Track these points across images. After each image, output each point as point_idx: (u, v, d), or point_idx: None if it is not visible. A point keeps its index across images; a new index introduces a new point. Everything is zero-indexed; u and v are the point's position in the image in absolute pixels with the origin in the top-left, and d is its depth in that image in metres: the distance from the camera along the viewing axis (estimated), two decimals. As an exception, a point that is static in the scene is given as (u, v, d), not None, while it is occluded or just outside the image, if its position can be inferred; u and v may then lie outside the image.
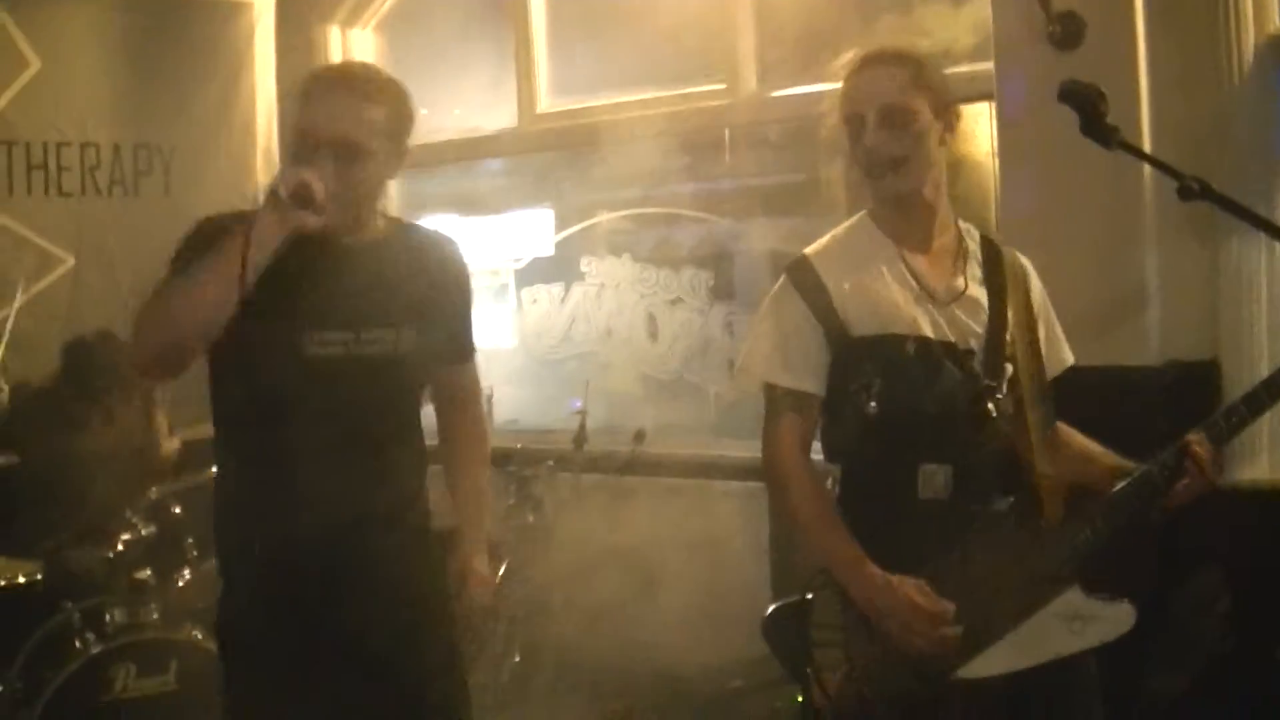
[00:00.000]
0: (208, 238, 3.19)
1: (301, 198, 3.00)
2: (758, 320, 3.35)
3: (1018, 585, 3.11)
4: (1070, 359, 3.43)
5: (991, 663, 3.10)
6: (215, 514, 3.44)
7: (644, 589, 5.70)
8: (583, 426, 6.16)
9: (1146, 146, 4.40)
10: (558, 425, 6.39)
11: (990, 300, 3.28)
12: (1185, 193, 2.86)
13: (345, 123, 3.16)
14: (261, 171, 7.34)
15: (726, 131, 6.44)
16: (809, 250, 3.31)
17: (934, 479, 3.16)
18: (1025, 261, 3.41)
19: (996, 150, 5.19)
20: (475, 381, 3.73)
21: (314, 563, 3.27)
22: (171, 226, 6.91)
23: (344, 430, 3.26)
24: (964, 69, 5.06)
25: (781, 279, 3.30)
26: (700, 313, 6.54)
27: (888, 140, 3.15)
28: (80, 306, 6.67)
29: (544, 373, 7.02)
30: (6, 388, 6.22)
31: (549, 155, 7.14)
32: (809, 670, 3.13)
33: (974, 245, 3.35)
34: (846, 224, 3.36)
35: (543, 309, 7.05)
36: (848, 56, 3.26)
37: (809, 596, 3.17)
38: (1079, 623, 3.11)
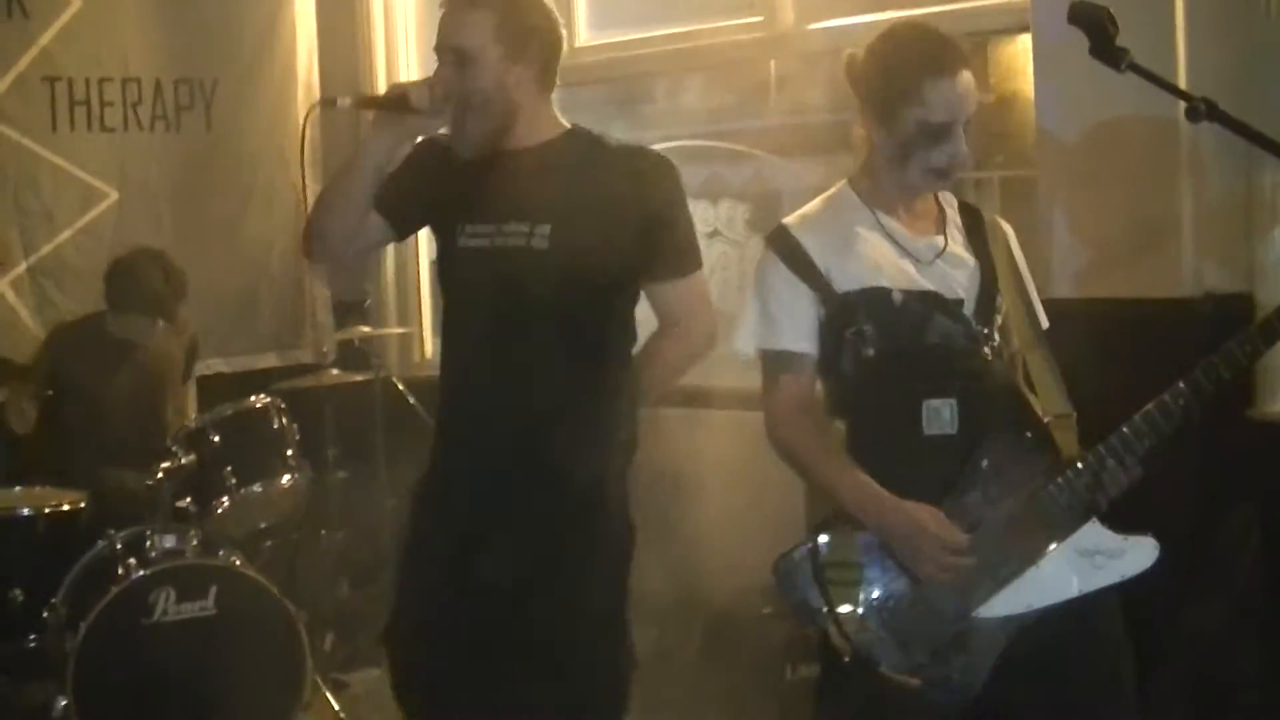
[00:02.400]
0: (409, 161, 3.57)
1: (398, 104, 3.33)
2: (747, 295, 3.35)
3: (1035, 521, 3.12)
4: (1046, 324, 3.41)
5: (1011, 601, 3.12)
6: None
7: (678, 517, 5.73)
8: (625, 358, 6.18)
9: (1182, 83, 4.37)
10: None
11: (975, 256, 3.31)
12: (1193, 114, 2.86)
13: (453, 31, 3.37)
14: (302, 105, 7.36)
15: (772, 66, 6.41)
16: (786, 220, 3.33)
17: (939, 414, 3.15)
18: (1006, 225, 3.43)
19: (1033, 83, 5.16)
20: (685, 303, 3.56)
21: (474, 455, 3.46)
22: (213, 161, 7.09)
23: (497, 321, 3.40)
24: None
25: (762, 250, 3.32)
26: (737, 245, 6.53)
27: (963, 149, 3.20)
28: (123, 240, 6.68)
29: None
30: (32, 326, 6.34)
31: (592, 91, 7.14)
32: (825, 611, 3.14)
33: (952, 211, 3.39)
34: (825, 194, 3.38)
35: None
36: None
37: (820, 540, 3.18)
38: (1100, 558, 3.12)
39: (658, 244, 3.45)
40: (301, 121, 7.23)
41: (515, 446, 3.39)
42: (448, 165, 3.44)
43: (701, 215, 6.62)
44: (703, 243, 6.42)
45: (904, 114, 3.18)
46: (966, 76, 3.21)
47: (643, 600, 5.92)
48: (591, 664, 3.48)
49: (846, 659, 3.12)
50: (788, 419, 3.24)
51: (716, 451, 5.81)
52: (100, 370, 5.84)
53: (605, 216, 3.39)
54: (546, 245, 3.36)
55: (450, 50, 3.35)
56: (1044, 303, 3.46)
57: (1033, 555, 3.11)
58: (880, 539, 3.14)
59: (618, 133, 6.84)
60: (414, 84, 3.34)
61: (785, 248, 3.26)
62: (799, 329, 3.23)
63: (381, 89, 7.23)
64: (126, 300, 5.79)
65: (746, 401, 5.89)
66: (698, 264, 3.57)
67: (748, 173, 6.60)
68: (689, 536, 5.64)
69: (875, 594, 3.13)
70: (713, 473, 5.71)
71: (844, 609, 3.13)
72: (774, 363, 3.26)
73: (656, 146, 6.68)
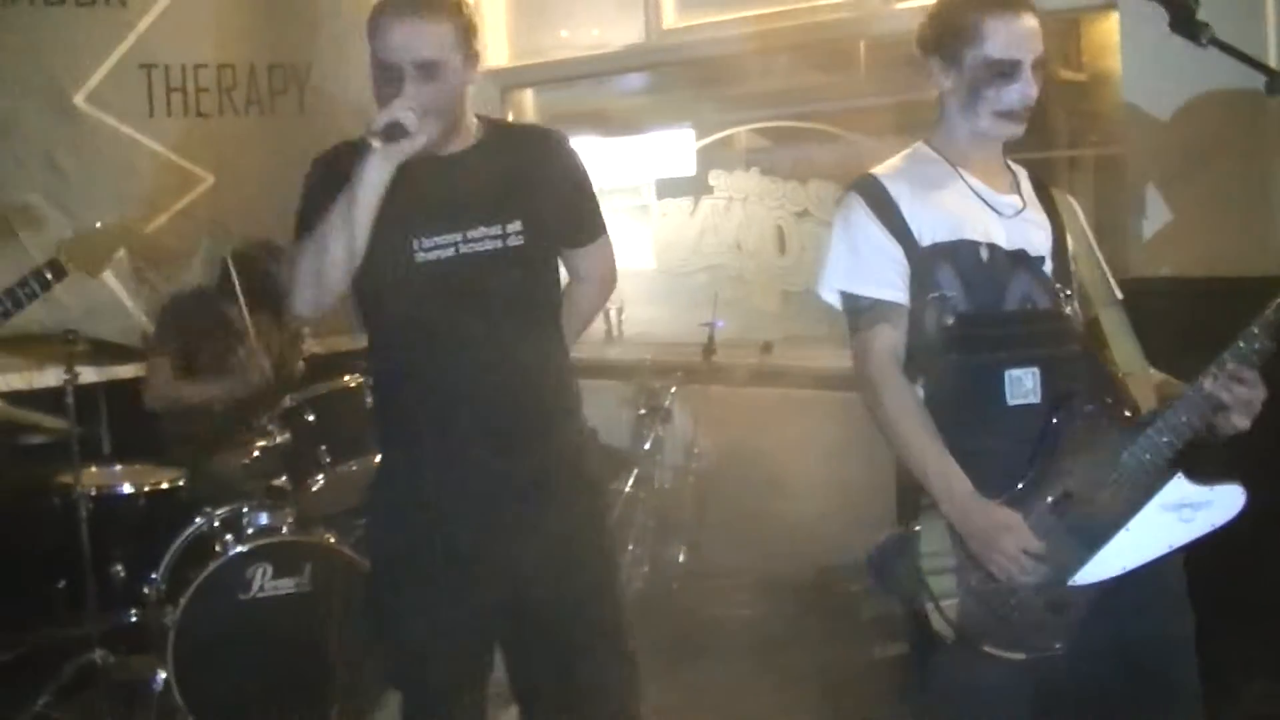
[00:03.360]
0: (325, 179, 3.40)
1: (396, 133, 3.19)
2: (831, 239, 3.31)
3: (1121, 484, 3.11)
4: (1120, 296, 3.38)
5: (1105, 565, 3.11)
6: (375, 416, 3.72)
7: (771, 498, 5.75)
8: (711, 338, 6.21)
9: (1272, 58, 4.34)
10: (687, 338, 6.43)
11: (1049, 219, 3.31)
12: (1272, 87, 2.84)
13: (417, 45, 3.28)
14: (394, 90, 7.41)
15: (861, 46, 6.41)
16: (874, 170, 3.32)
17: (1022, 383, 3.15)
18: (1073, 201, 3.42)
19: (1121, 61, 5.12)
20: (601, 262, 3.75)
21: (451, 461, 3.44)
22: (307, 144, 7.04)
23: (471, 327, 3.40)
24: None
25: (848, 196, 3.30)
26: (827, 225, 6.50)
27: (1033, 92, 3.19)
28: (220, 223, 6.81)
29: (674, 285, 7.06)
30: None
31: (680, 72, 7.16)
32: (925, 596, 3.13)
33: (1023, 177, 3.40)
34: (903, 153, 3.37)
35: (673, 222, 7.08)
36: None
37: (917, 527, 3.16)
38: (1188, 510, 3.09)
39: (583, 214, 3.63)
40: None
41: (494, 423, 3.44)
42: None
43: (790, 195, 6.64)
44: (791, 222, 6.55)
45: (967, 54, 3.19)
46: (1030, 18, 3.20)
47: (731, 576, 6.00)
48: (593, 599, 3.57)
49: (949, 641, 3.13)
50: (881, 366, 3.19)
51: (806, 430, 5.83)
52: (203, 349, 5.92)
53: (551, 196, 3.50)
54: (522, 241, 3.43)
55: (417, 64, 3.27)
56: (1133, 281, 3.46)
57: (1122, 518, 3.10)
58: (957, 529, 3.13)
59: (706, 115, 6.97)
60: (399, 109, 3.21)
61: (872, 195, 3.24)
62: (889, 277, 3.20)
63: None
64: (233, 293, 5.87)
65: (836, 381, 5.95)
66: (605, 228, 3.71)
67: (836, 153, 6.59)
68: (778, 514, 5.66)
69: (973, 577, 3.12)
70: (802, 451, 5.72)
71: (943, 593, 3.13)
72: (866, 311, 3.22)
73: (744, 128, 6.85)
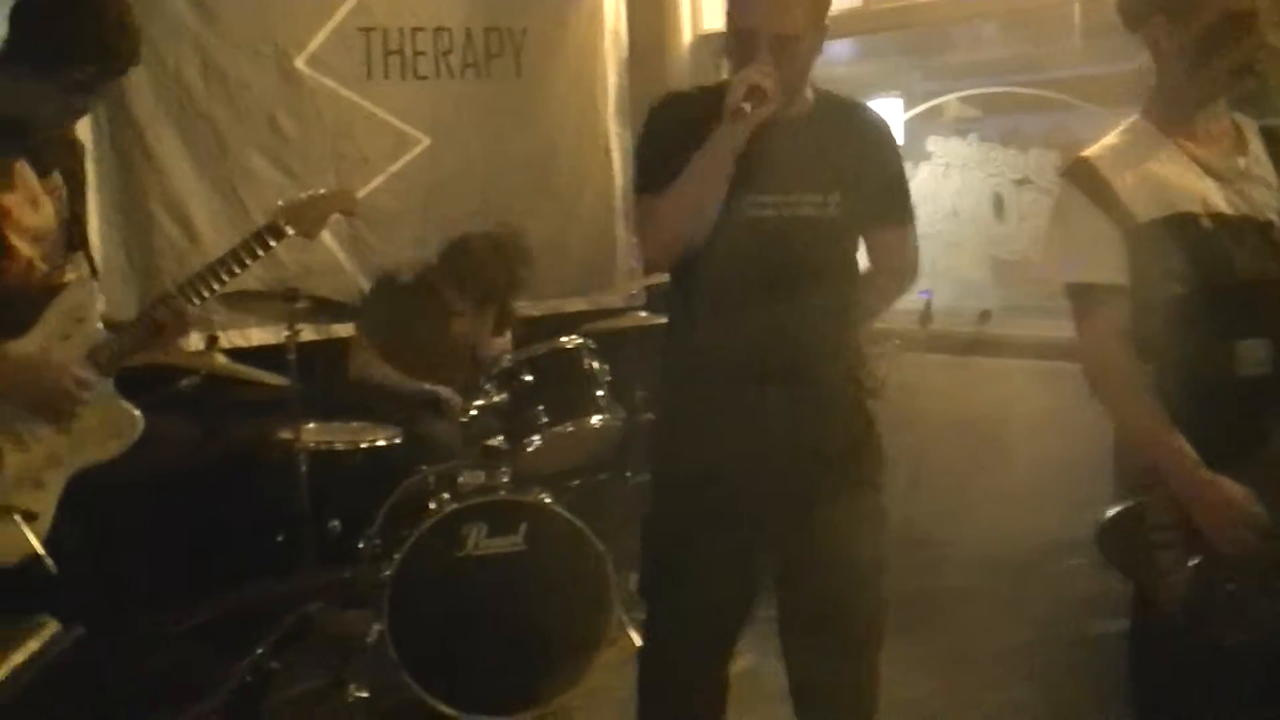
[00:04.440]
0: (664, 130, 3.58)
1: (756, 98, 3.29)
2: (1048, 229, 3.32)
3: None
4: None
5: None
6: (662, 359, 3.80)
7: (986, 468, 5.66)
8: (928, 306, 6.12)
9: None
10: (903, 305, 6.33)
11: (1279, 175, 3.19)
12: None
13: (779, 17, 3.34)
14: (609, 53, 7.45)
15: (1076, 9, 6.25)
16: (1085, 152, 3.26)
17: (1253, 353, 3.05)
18: None
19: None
20: (906, 248, 3.76)
21: (742, 410, 3.51)
22: (522, 107, 7.19)
23: (780, 286, 3.46)
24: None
25: (1061, 184, 3.28)
26: (1047, 193, 6.39)
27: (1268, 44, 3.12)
28: (436, 185, 6.88)
29: (890, 253, 6.97)
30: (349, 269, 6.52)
31: (897, 39, 7.06)
32: (1154, 573, 3.08)
33: (1251, 133, 3.27)
34: (1119, 128, 3.30)
35: (889, 189, 6.99)
36: None
37: (1145, 500, 3.10)
38: None
39: (896, 196, 3.67)
40: (613, 71, 7.41)
41: (786, 373, 3.50)
42: (703, 136, 3.42)
43: (1010, 163, 6.52)
44: (1011, 190, 6.41)
45: (1201, 8, 3.10)
46: None
47: (944, 547, 5.90)
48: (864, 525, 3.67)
49: (1174, 618, 3.06)
50: (1107, 349, 3.16)
51: (1024, 402, 5.72)
52: (417, 322, 5.97)
53: (871, 173, 3.56)
54: (839, 213, 3.49)
55: (777, 36, 3.33)
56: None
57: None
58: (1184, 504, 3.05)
59: (916, 83, 6.86)
60: (762, 75, 3.29)
61: (1086, 179, 3.18)
62: (1106, 261, 3.14)
63: (686, 37, 7.29)
64: (460, 284, 5.92)
65: (1053, 351, 5.82)
66: (913, 217, 3.74)
67: (1054, 120, 6.46)
68: (993, 486, 5.57)
69: (1201, 553, 3.04)
70: (1019, 423, 5.62)
71: (1169, 568, 3.06)
72: (1085, 297, 3.19)
73: (959, 94, 6.72)
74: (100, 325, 3.96)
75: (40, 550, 3.46)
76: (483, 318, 6.13)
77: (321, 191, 4.49)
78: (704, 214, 3.41)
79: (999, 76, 6.65)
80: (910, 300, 6.08)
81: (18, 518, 3.56)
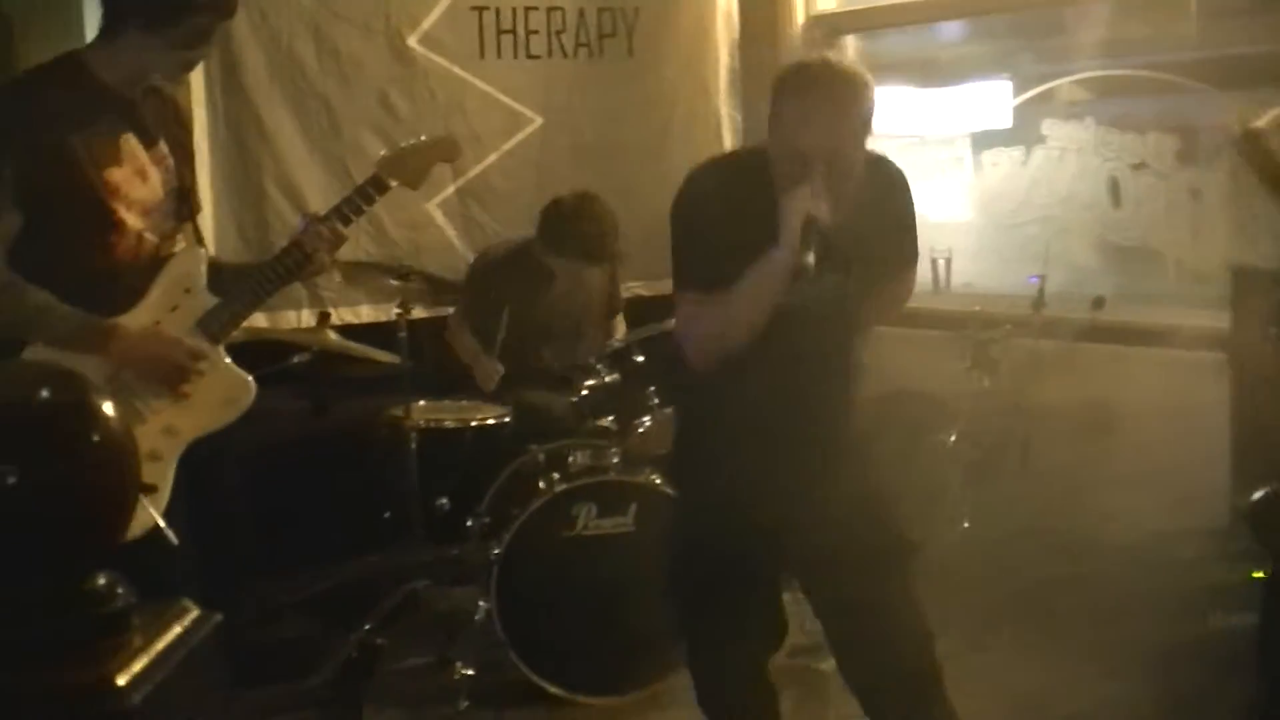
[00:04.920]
0: (705, 216, 3.46)
1: (811, 229, 3.22)
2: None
3: None
4: None
5: None
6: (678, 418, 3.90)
7: (1099, 456, 5.60)
8: (1041, 291, 6.04)
9: None
10: (1015, 290, 6.26)
11: None
12: None
13: (835, 138, 3.29)
14: (721, 35, 7.43)
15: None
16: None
17: None
18: None
19: None
20: (907, 282, 3.81)
21: (754, 467, 3.50)
22: (634, 88, 7.19)
23: (797, 358, 3.46)
24: None
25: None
26: (1164, 178, 6.29)
27: None
28: (548, 164, 6.90)
29: (1002, 237, 6.89)
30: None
31: (1008, 21, 6.98)
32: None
33: None
34: None
35: (1002, 172, 6.91)
36: None
37: None
38: None
39: (905, 247, 3.69)
40: (725, 52, 7.37)
41: (800, 409, 3.51)
42: (741, 223, 3.36)
43: (1128, 146, 6.43)
44: (1128, 175, 6.32)
45: None
46: None
47: (1056, 535, 5.84)
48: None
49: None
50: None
51: (1138, 389, 5.66)
52: (524, 294, 5.96)
53: (888, 234, 3.57)
54: (856, 287, 3.49)
55: (829, 151, 3.27)
56: None
57: None
58: None
59: (1025, 65, 6.77)
60: (817, 205, 3.23)
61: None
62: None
63: (799, 18, 7.25)
64: (558, 244, 5.89)
65: (1168, 339, 5.74)
66: (917, 257, 3.77)
67: (1167, 103, 6.36)
68: (1106, 473, 5.52)
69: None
70: (1132, 409, 5.56)
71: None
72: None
73: (1073, 78, 6.62)
74: (208, 293, 3.96)
75: (161, 523, 3.48)
76: (585, 282, 6.11)
77: (423, 138, 4.44)
78: (754, 331, 3.37)
79: (1111, 59, 6.54)
80: (1021, 286, 6.04)
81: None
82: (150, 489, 3.57)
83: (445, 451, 5.50)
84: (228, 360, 3.99)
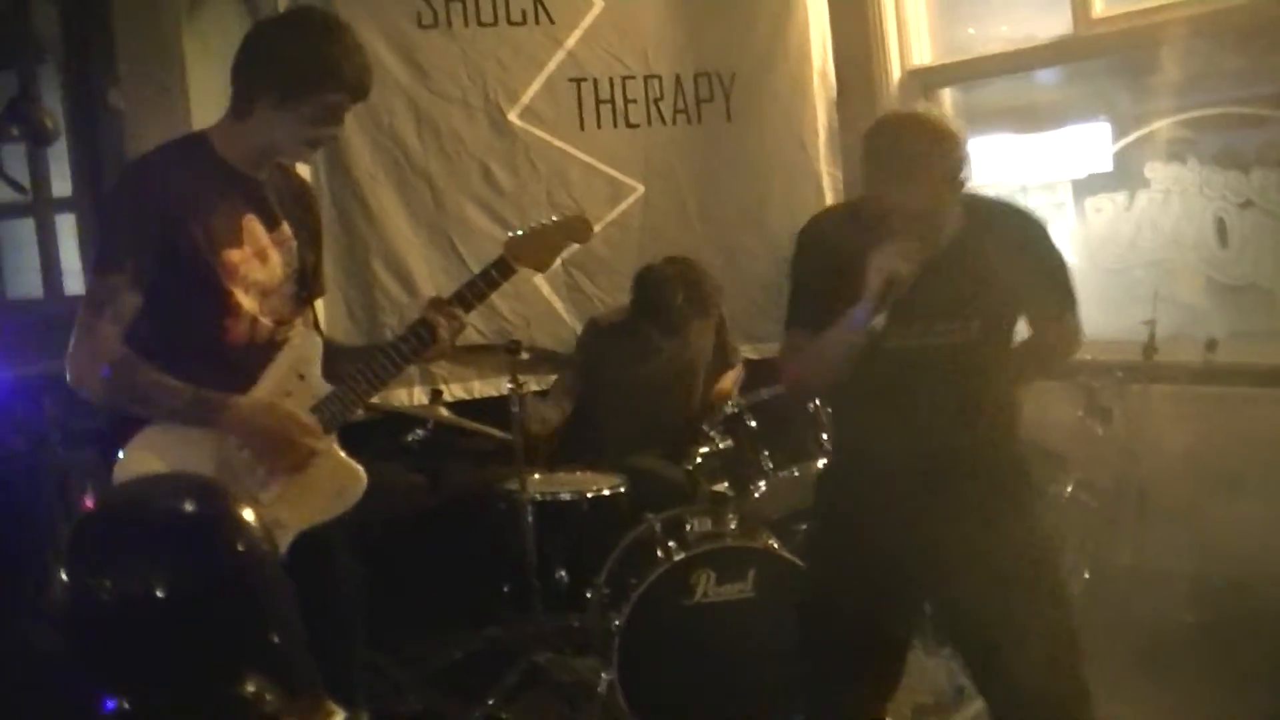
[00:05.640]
0: (816, 260, 3.65)
1: (893, 289, 3.31)
2: None
3: None
4: None
5: None
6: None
7: (1218, 500, 5.54)
8: (1152, 336, 6.00)
9: None
10: (1125, 336, 6.22)
11: None
12: None
13: (914, 192, 3.35)
14: (818, 93, 7.44)
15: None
16: None
17: None
18: None
19: None
20: (1065, 329, 3.76)
21: (890, 514, 3.55)
22: (734, 151, 7.22)
23: (921, 408, 3.51)
24: None
25: None
26: (1272, 215, 6.22)
27: None
28: (651, 232, 6.95)
29: (1109, 282, 6.82)
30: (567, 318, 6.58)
31: (1104, 63, 6.94)
32: None
33: None
34: None
35: (1107, 217, 6.86)
36: None
37: None
38: None
39: (1055, 288, 3.67)
40: (823, 111, 7.38)
41: (938, 455, 3.53)
42: (846, 271, 3.42)
43: (1233, 186, 6.35)
44: (1234, 213, 6.26)
45: None
46: None
47: (1178, 581, 5.78)
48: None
49: None
50: None
51: (1253, 430, 5.62)
52: (628, 363, 6.01)
53: (1025, 278, 3.55)
54: (980, 335, 3.52)
55: (911, 204, 3.33)
56: None
57: None
58: None
59: (1124, 106, 6.73)
60: (903, 260, 3.31)
61: None
62: None
63: (895, 73, 7.25)
64: (648, 311, 5.95)
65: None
66: (1074, 303, 3.73)
67: (1270, 136, 6.28)
68: (1226, 517, 5.46)
69: None
70: (1249, 451, 5.52)
71: None
72: None
73: (1173, 119, 6.58)
74: (322, 380, 3.87)
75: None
76: (690, 341, 6.14)
77: (553, 219, 4.39)
78: (839, 374, 3.49)
79: (1209, 94, 6.49)
80: (1131, 331, 6.00)
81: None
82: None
83: (561, 522, 5.56)
84: (341, 452, 3.93)
